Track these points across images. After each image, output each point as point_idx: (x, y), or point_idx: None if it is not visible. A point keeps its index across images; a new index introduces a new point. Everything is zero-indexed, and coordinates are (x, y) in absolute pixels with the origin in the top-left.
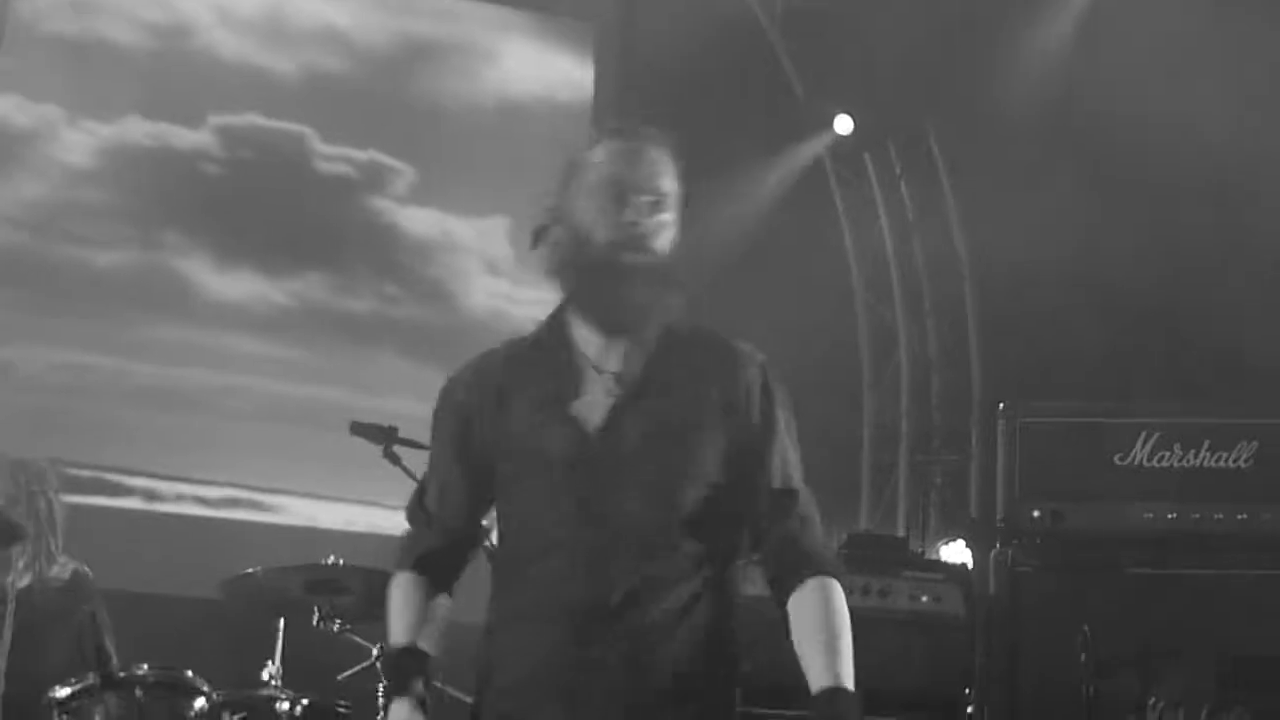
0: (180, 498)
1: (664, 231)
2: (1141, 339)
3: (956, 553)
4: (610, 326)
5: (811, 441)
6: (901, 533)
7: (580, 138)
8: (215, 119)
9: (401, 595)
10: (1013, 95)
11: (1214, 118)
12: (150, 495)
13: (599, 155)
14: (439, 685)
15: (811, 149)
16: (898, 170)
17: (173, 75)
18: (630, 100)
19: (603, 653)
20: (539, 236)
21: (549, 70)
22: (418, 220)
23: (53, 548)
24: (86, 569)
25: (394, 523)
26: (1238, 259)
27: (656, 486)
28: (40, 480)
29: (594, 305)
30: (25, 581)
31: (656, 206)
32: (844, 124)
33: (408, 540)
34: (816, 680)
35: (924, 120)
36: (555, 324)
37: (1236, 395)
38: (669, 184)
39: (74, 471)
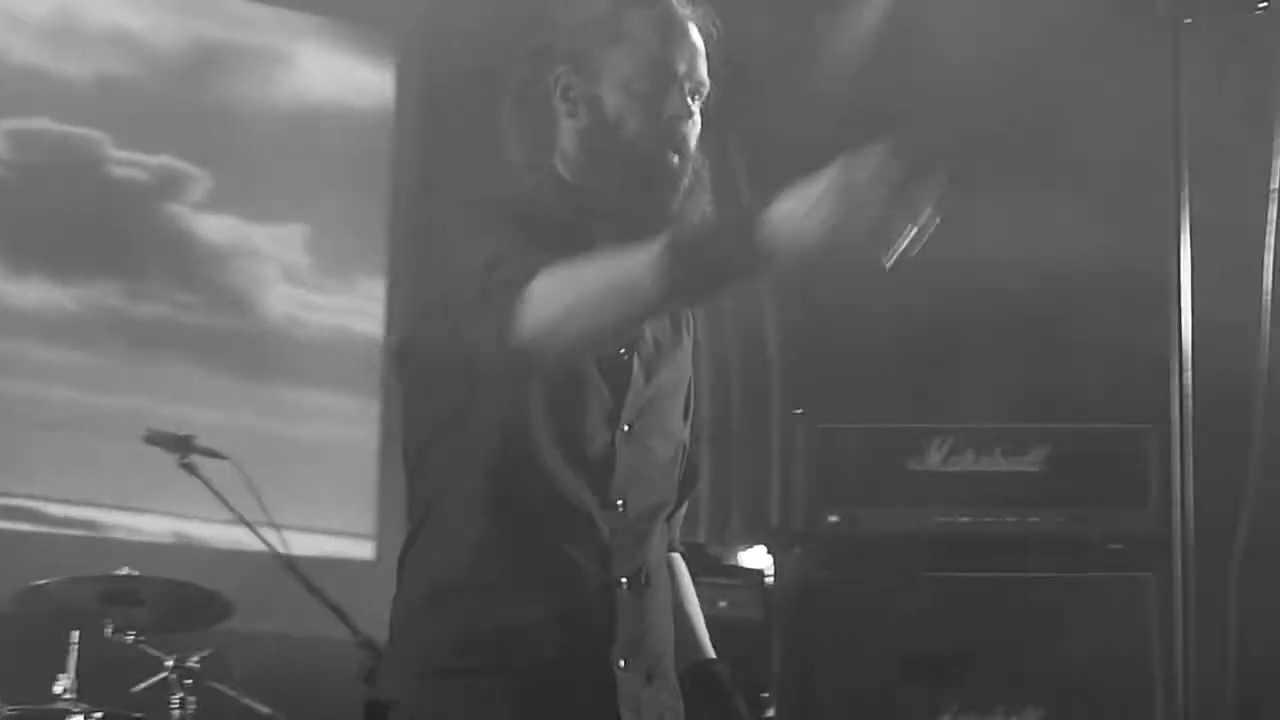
0: None
1: (697, 133)
2: (937, 344)
3: (756, 558)
4: (634, 239)
5: None
6: (702, 539)
7: (379, 145)
8: (4, 123)
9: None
10: (814, 96)
11: (1019, 95)
12: None
13: (639, 27)
14: None
15: None
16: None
17: None
18: (434, 108)
19: None
20: (544, 96)
21: (346, 76)
22: (213, 227)
23: None
24: None
25: (189, 532)
26: (1035, 258)
27: None
28: None
29: (617, 213)
30: None
31: (696, 99)
32: None
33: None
34: (694, 653)
35: (728, 138)
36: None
37: (1030, 401)
38: (706, 74)
39: None
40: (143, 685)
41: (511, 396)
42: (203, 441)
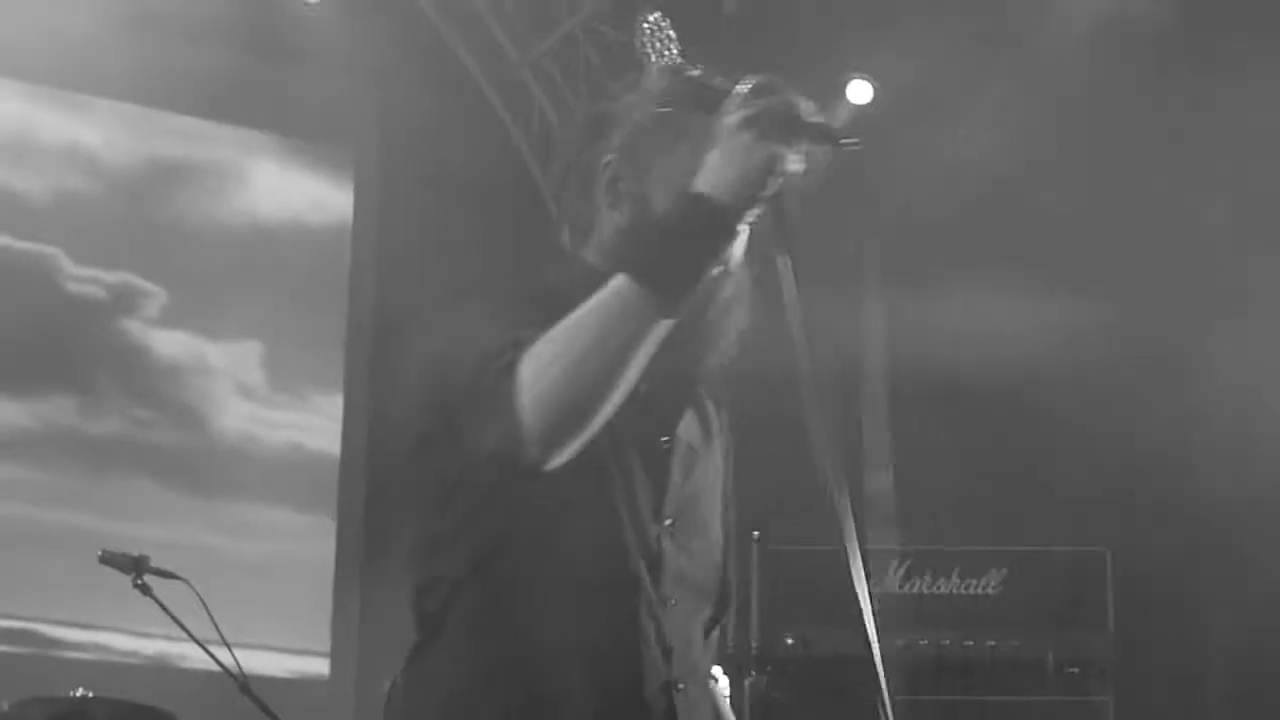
0: None
1: (744, 243)
2: (895, 465)
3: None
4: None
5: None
6: None
7: (335, 260)
8: None
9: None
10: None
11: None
12: None
13: (696, 126)
14: None
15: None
16: None
17: None
18: (391, 222)
19: None
20: (587, 183)
21: (301, 192)
22: (169, 343)
23: None
24: None
25: (144, 651)
26: (991, 370)
27: None
28: None
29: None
30: None
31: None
32: None
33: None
34: None
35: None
36: None
37: (986, 522)
38: None
39: None
40: None
41: (553, 481)
42: (157, 562)
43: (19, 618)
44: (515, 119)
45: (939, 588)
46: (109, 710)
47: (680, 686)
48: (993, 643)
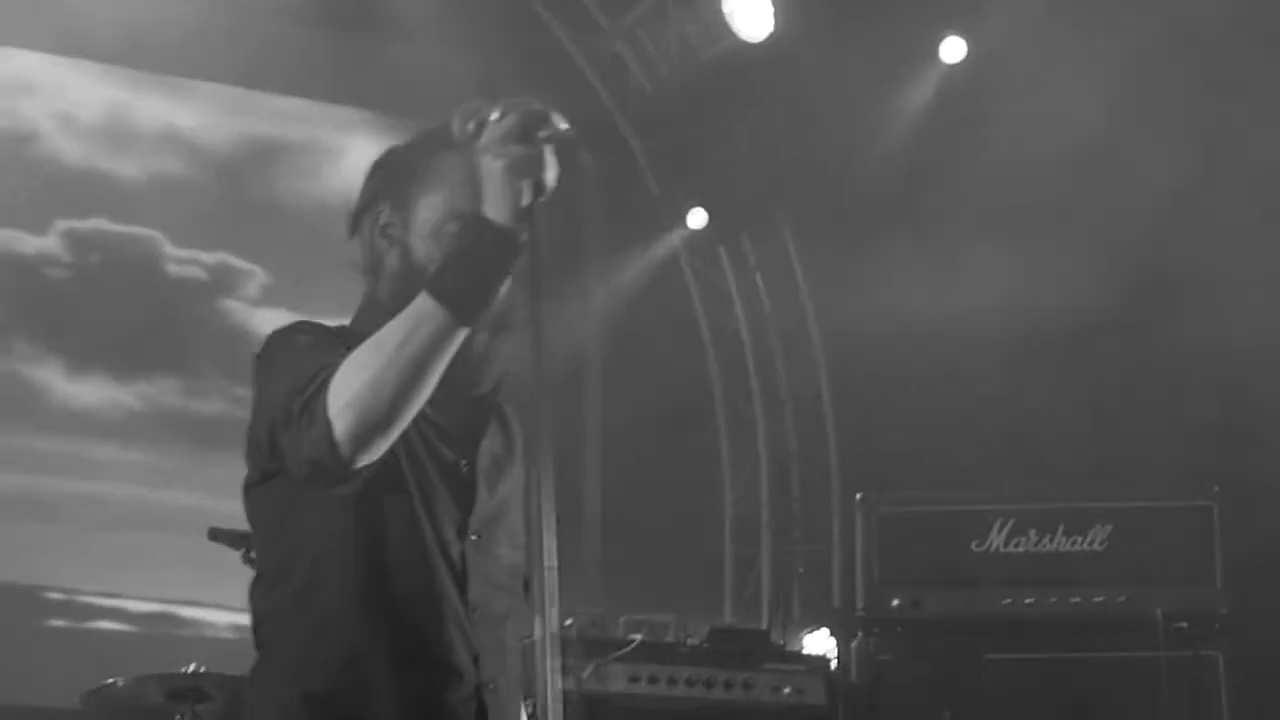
0: (40, 607)
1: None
2: (998, 424)
3: (820, 642)
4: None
5: (675, 535)
6: (765, 625)
7: None
8: (62, 224)
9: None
10: (867, 178)
11: (1078, 183)
12: (8, 605)
13: (443, 171)
14: None
15: (667, 245)
16: (752, 262)
17: (16, 181)
18: None
19: None
20: (373, 259)
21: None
22: (269, 321)
23: None
24: None
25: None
26: (1091, 338)
27: None
28: None
29: None
30: None
31: None
32: (698, 218)
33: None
34: None
35: (777, 209)
36: None
37: (1091, 479)
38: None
39: None
40: None
41: (369, 507)
42: None
43: (132, 596)
44: (609, 88)
45: (1044, 545)
46: (222, 685)
47: (491, 687)
48: (1100, 599)
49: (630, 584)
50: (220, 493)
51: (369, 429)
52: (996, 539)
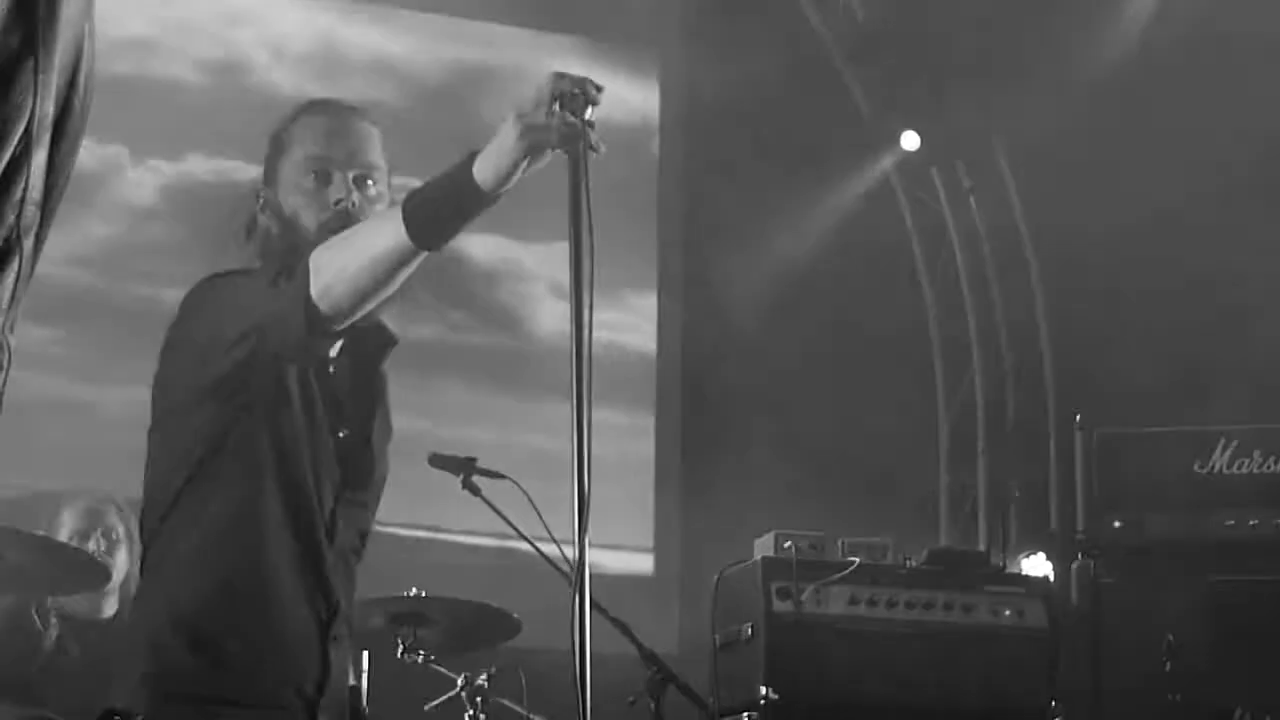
0: None
1: (374, 206)
2: (1218, 343)
3: (1038, 566)
4: None
5: (891, 459)
6: (982, 548)
7: (643, 162)
8: None
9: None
10: (1080, 100)
11: None
12: None
13: (299, 132)
14: None
15: (879, 168)
16: (966, 185)
17: (233, 112)
18: (697, 123)
19: None
20: (249, 227)
21: (608, 94)
22: (482, 247)
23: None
24: None
25: (475, 555)
26: None
27: None
28: (110, 514)
29: None
30: (109, 613)
31: (364, 182)
32: (910, 141)
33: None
34: None
35: (991, 132)
36: None
37: None
38: (376, 157)
39: None
40: (435, 703)
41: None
42: (483, 463)
43: None
44: (822, 15)
45: (1268, 466)
46: (444, 609)
47: (335, 638)
48: None
49: (847, 509)
50: (439, 419)
51: (336, 299)
52: (1219, 460)
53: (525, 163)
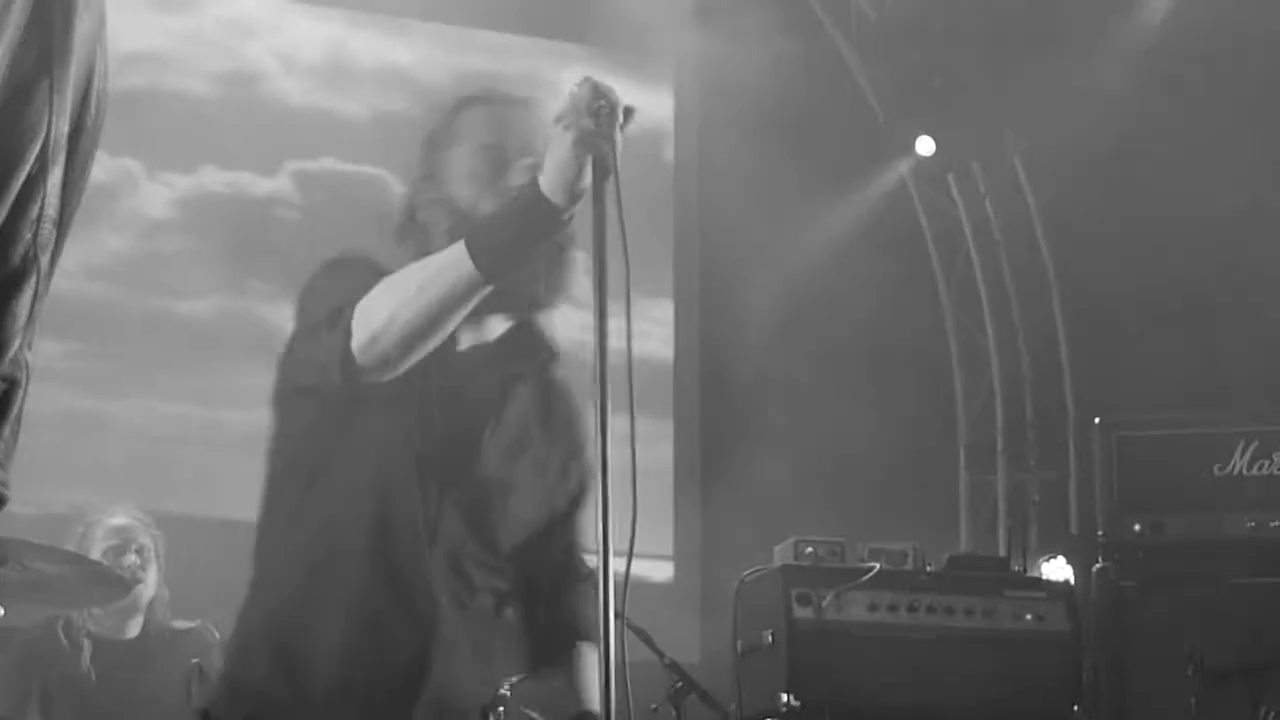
0: None
1: None
2: (1237, 344)
3: (1058, 570)
4: (497, 308)
5: (911, 463)
6: (1002, 552)
7: (657, 170)
8: (291, 164)
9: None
10: (1094, 99)
11: None
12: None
13: (465, 126)
14: None
15: (894, 172)
16: (982, 189)
17: (245, 123)
18: (710, 130)
19: None
20: (403, 229)
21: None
22: None
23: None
24: (211, 626)
25: None
26: None
27: None
28: (142, 531)
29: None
30: (133, 633)
31: (539, 168)
32: (925, 145)
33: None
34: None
35: (1006, 135)
36: None
37: None
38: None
39: (182, 521)
40: None
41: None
42: None
43: None
44: (834, 20)
45: None
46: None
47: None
48: None
49: (867, 514)
50: None
51: (381, 352)
52: (1239, 461)
53: (588, 170)
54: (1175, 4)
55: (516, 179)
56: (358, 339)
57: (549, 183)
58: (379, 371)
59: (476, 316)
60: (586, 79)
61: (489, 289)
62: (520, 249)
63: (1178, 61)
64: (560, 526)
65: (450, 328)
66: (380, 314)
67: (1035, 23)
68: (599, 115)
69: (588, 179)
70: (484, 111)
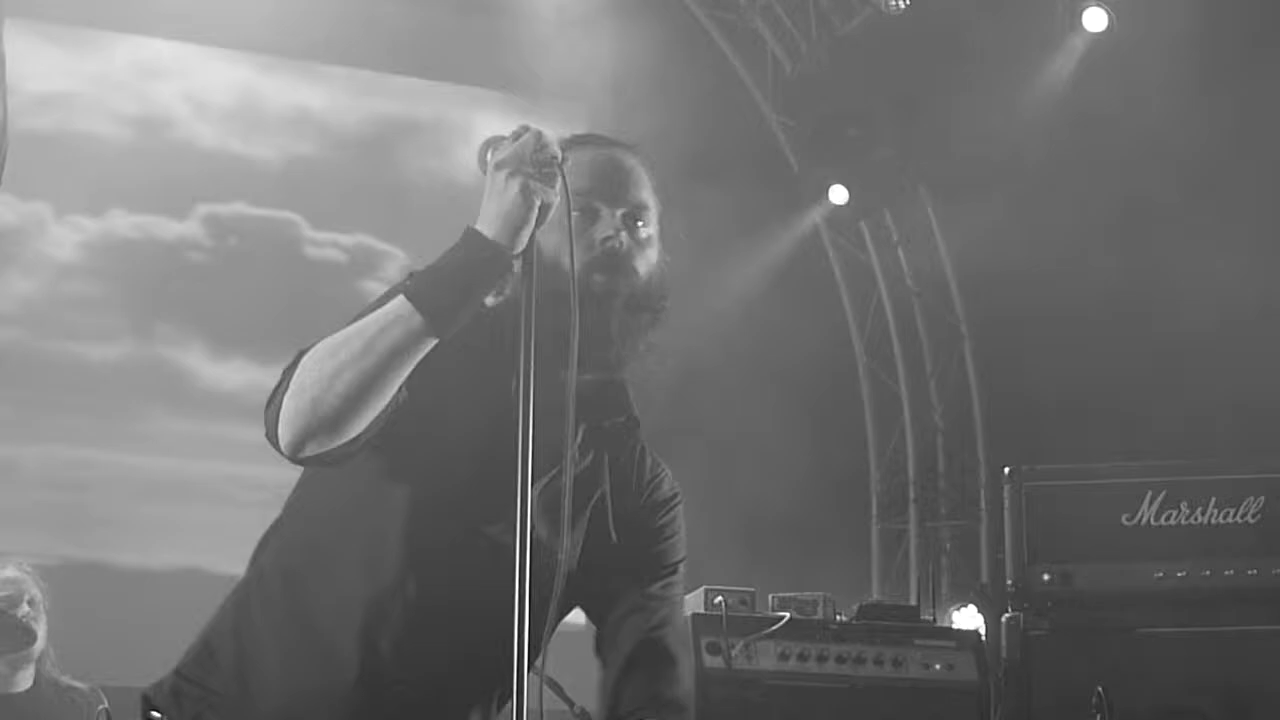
0: (198, 588)
1: (645, 250)
2: (1144, 395)
3: (968, 618)
4: (582, 363)
5: (823, 511)
6: (913, 600)
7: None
8: (201, 208)
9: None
10: (1007, 149)
11: (1216, 150)
12: (165, 587)
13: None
14: None
15: (808, 220)
16: (895, 237)
17: (155, 167)
18: None
19: None
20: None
21: None
22: None
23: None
24: (100, 691)
25: None
26: (1238, 304)
27: None
28: (32, 583)
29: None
30: (25, 686)
31: (634, 221)
32: (839, 194)
33: None
34: None
35: (919, 184)
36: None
37: (1242, 449)
38: (648, 195)
39: (87, 566)
40: None
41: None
42: None
43: None
44: (748, 67)
45: (1196, 518)
46: None
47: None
48: (1254, 571)
49: (777, 562)
50: None
51: (313, 423)
52: (1147, 512)
53: (532, 211)
54: (1086, 52)
55: (604, 230)
56: (285, 415)
57: (496, 229)
58: (315, 445)
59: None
60: (526, 127)
61: (433, 343)
62: (469, 299)
63: (1084, 102)
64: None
65: (390, 392)
66: (314, 380)
67: (949, 73)
68: (542, 163)
69: (530, 223)
70: (580, 155)
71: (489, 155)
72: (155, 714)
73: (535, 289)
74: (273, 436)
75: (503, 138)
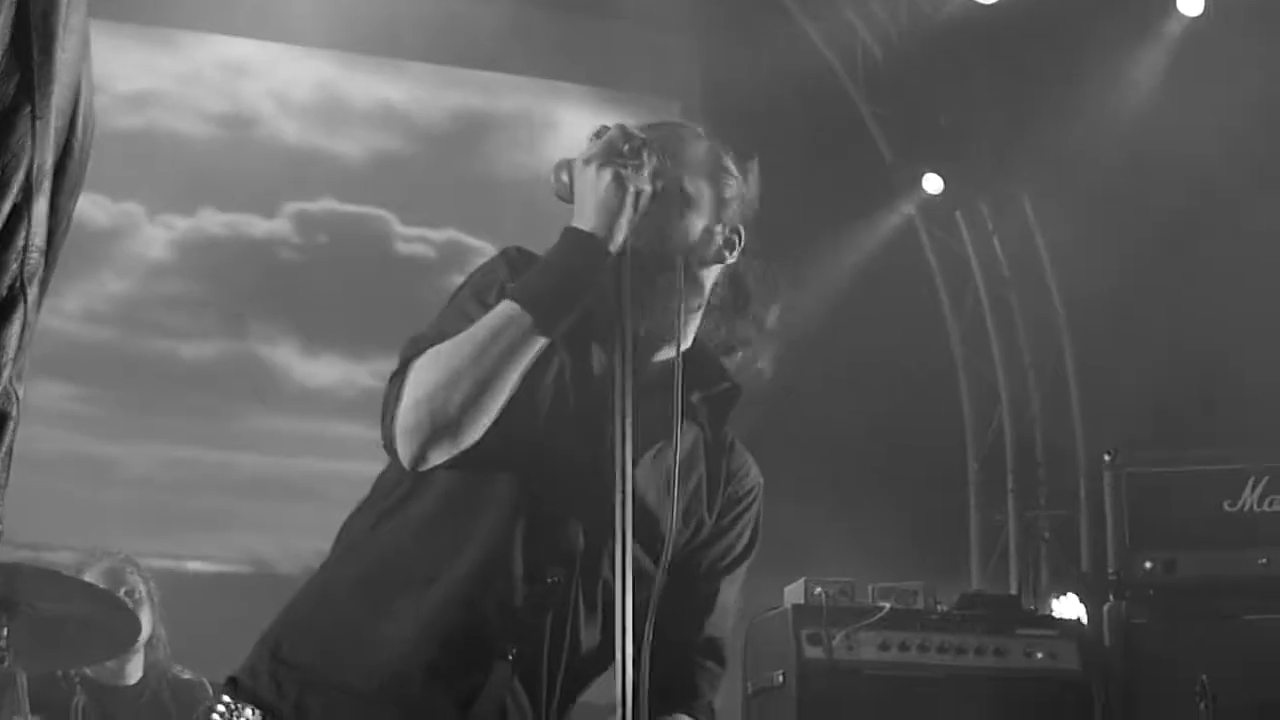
0: (297, 584)
1: (730, 234)
2: (1246, 381)
3: (1069, 607)
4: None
5: (920, 502)
6: (1013, 590)
7: None
8: (291, 205)
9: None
10: (1102, 138)
11: None
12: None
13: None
14: None
15: (902, 211)
16: (990, 226)
17: (242, 165)
18: None
19: None
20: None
21: None
22: None
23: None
24: (206, 682)
25: None
26: None
27: None
28: (130, 574)
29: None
30: (134, 678)
31: (721, 207)
32: (933, 183)
33: None
34: None
35: (1014, 173)
36: None
37: None
38: (732, 181)
39: (195, 566)
40: None
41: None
42: None
43: None
44: (839, 57)
45: None
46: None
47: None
48: None
49: (877, 553)
50: None
51: (435, 434)
52: (1250, 497)
53: (626, 198)
54: (1188, 33)
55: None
56: (400, 425)
57: (594, 222)
58: (436, 456)
59: None
60: (606, 126)
61: (544, 343)
62: (574, 295)
63: (1182, 92)
64: None
65: (507, 393)
66: (430, 391)
67: (1044, 59)
68: (631, 153)
69: (627, 216)
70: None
71: (564, 175)
72: (225, 699)
73: (629, 278)
74: (391, 449)
75: (572, 160)
